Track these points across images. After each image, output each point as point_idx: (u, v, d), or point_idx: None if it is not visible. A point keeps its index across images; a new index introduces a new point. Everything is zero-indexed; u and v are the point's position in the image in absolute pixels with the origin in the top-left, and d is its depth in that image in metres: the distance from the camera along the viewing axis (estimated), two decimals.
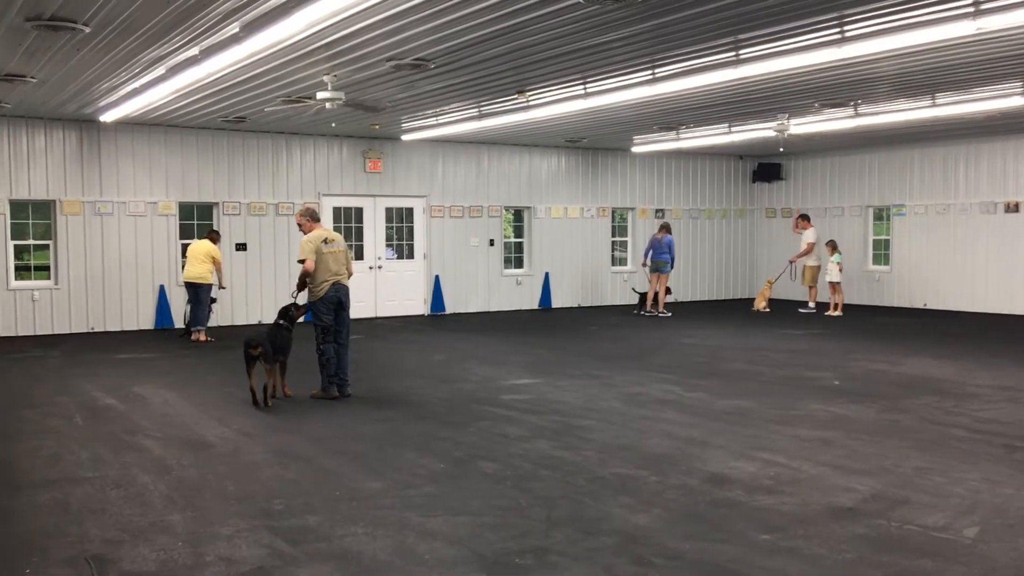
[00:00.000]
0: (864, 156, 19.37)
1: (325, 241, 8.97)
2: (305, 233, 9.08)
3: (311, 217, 9.23)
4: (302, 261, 8.90)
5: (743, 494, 5.62)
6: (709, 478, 5.99)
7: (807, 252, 18.03)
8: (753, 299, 19.42)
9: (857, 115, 13.67)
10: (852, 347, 12.63)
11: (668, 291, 17.78)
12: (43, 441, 7.18)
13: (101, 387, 9.66)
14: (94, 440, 7.20)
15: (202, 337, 13.57)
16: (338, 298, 8.98)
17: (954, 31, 7.93)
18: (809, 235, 18.07)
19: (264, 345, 8.65)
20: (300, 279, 9.05)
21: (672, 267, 17.53)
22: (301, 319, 9.24)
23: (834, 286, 17.52)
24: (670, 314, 17.32)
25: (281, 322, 9.02)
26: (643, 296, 17.81)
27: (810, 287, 18.12)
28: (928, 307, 18.26)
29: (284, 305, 9.20)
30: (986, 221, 17.42)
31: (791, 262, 18.47)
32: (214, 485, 5.90)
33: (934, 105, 12.68)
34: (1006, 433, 7.27)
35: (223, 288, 14.10)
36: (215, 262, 13.62)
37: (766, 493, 5.63)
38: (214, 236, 14.06)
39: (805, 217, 18.54)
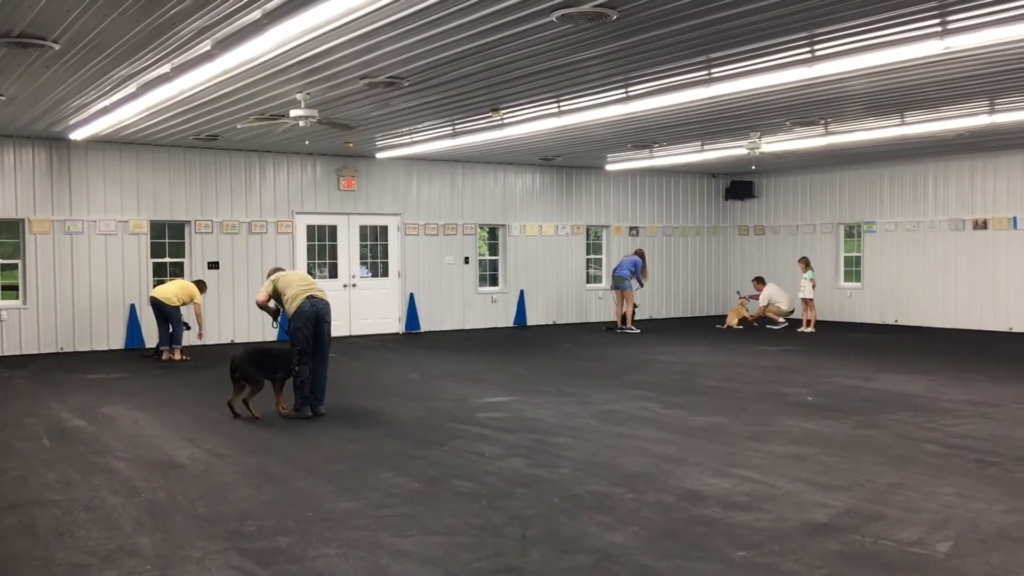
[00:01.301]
0: (835, 174, 19.58)
1: (279, 270, 9.42)
2: None
3: (272, 272, 9.55)
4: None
5: (719, 511, 5.61)
6: (685, 495, 5.98)
7: (760, 313, 18.59)
8: (726, 316, 19.56)
9: (828, 133, 13.83)
10: (825, 363, 12.71)
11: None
12: (9, 463, 7.05)
13: (70, 408, 9.51)
14: (62, 462, 7.08)
15: (176, 356, 13.44)
16: (315, 312, 8.91)
17: (922, 51, 8.05)
18: (763, 297, 18.57)
19: (243, 368, 8.70)
20: (265, 310, 9.22)
21: (635, 284, 17.65)
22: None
23: (807, 303, 17.68)
24: (639, 331, 17.39)
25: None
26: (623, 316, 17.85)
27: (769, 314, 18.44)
28: (899, 323, 18.44)
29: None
30: (955, 238, 17.65)
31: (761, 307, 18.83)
32: (184, 507, 5.81)
33: (903, 123, 12.85)
34: (978, 448, 7.33)
35: (200, 337, 13.95)
36: (193, 301, 13.58)
37: (741, 510, 5.63)
38: (200, 284, 14.02)
39: (759, 280, 19.07)
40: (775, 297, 18.45)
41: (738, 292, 19.86)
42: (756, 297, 18.91)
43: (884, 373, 11.63)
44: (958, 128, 13.10)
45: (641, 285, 17.85)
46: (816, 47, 8.24)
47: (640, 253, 18.00)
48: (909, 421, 8.48)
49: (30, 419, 8.92)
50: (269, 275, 9.52)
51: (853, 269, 19.66)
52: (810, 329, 17.45)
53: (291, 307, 8.93)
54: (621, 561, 4.72)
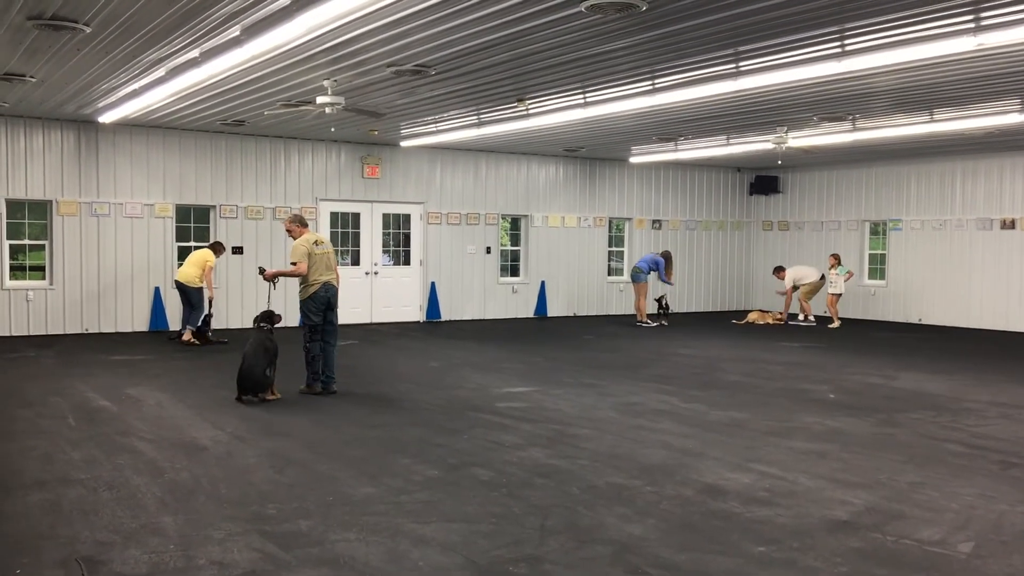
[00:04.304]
0: (861, 170, 19.41)
1: (316, 243, 9.43)
2: (295, 238, 9.53)
3: (300, 223, 9.68)
4: (295, 263, 9.35)
5: (738, 505, 5.60)
6: (704, 489, 5.97)
7: (789, 296, 18.24)
8: (748, 311, 19.46)
9: (855, 129, 13.71)
10: (847, 361, 12.63)
11: (659, 302, 17.80)
12: (36, 441, 7.14)
13: (95, 388, 9.62)
14: (87, 441, 7.17)
15: (186, 337, 13.45)
16: (327, 299, 9.37)
17: (955, 47, 7.96)
18: (788, 280, 18.23)
19: (254, 382, 8.92)
20: (286, 272, 9.55)
21: (646, 279, 17.53)
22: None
23: (835, 298, 17.59)
24: (654, 325, 17.33)
25: (263, 325, 9.19)
26: (660, 307, 17.81)
27: (802, 301, 18.17)
28: (923, 322, 18.29)
29: (266, 311, 9.34)
30: (982, 237, 17.46)
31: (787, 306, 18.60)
32: (207, 488, 5.87)
33: (932, 121, 12.72)
34: (1001, 449, 7.27)
35: (211, 297, 13.82)
36: (204, 268, 13.56)
37: (761, 505, 5.62)
38: (216, 247, 14.02)
39: (779, 268, 18.66)
40: (799, 274, 18.10)
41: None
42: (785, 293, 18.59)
43: (907, 372, 11.54)
44: (988, 126, 12.94)
45: (669, 283, 17.78)
46: (846, 42, 8.17)
47: (666, 255, 17.90)
48: (931, 420, 8.42)
49: (56, 398, 9.03)
50: (291, 227, 9.56)
51: (878, 267, 19.51)
52: (835, 325, 17.41)
53: (307, 290, 9.31)
54: (640, 553, 4.73)
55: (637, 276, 17.62)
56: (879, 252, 19.48)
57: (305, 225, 9.67)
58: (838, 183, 19.96)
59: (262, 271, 9.77)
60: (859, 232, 19.63)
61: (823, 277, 18.01)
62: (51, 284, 14.53)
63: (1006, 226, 17.11)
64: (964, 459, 6.92)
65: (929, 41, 7.90)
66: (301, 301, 9.39)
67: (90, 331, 14.74)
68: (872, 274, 19.62)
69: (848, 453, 7.04)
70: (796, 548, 4.83)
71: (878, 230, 19.55)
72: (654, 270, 17.54)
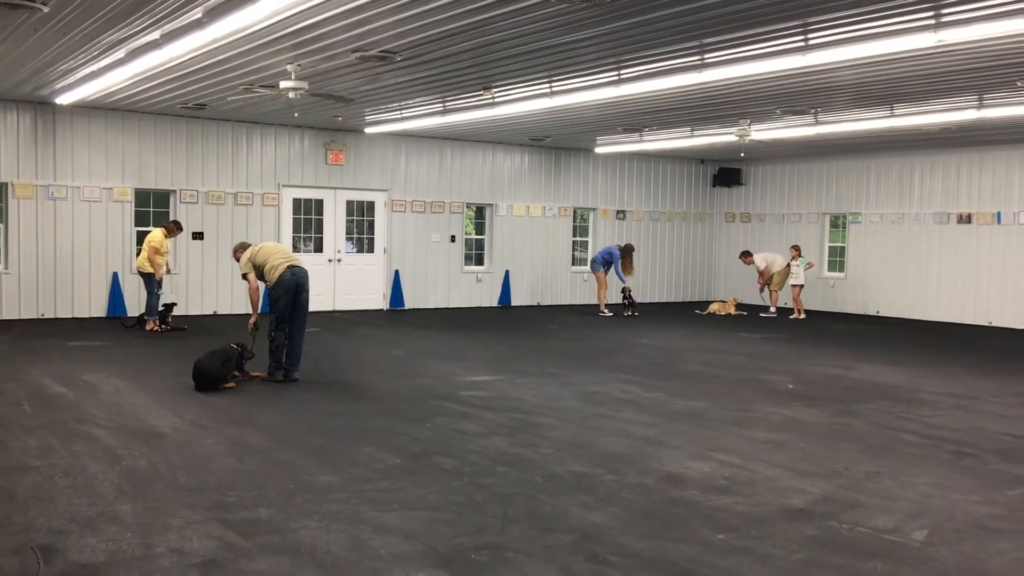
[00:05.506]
0: (822, 164, 19.64)
1: (258, 248, 9.49)
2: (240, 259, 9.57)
3: (241, 247, 9.69)
4: (245, 276, 9.38)
5: (698, 494, 5.66)
6: (665, 477, 6.02)
7: (767, 276, 18.33)
8: (710, 302, 19.64)
9: (817, 123, 13.86)
10: (807, 352, 12.80)
11: (625, 293, 17.76)
12: None
13: (51, 374, 9.47)
14: (43, 428, 7.05)
15: (149, 326, 13.28)
16: (295, 281, 9.21)
17: (915, 43, 8.07)
18: (759, 262, 18.31)
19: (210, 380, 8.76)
20: (252, 299, 9.45)
21: (603, 270, 17.60)
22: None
23: (797, 290, 17.80)
24: (611, 314, 17.41)
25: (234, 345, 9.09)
26: (624, 298, 17.83)
27: (773, 291, 18.36)
28: (880, 314, 18.58)
29: (239, 345, 9.17)
30: (939, 231, 17.76)
31: (761, 291, 18.74)
32: (166, 476, 5.80)
33: (892, 115, 12.90)
34: (955, 439, 7.41)
35: (159, 278, 13.42)
36: (150, 251, 13.27)
37: (721, 493, 5.68)
38: (168, 226, 13.72)
39: (746, 253, 18.73)
40: (770, 258, 18.26)
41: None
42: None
43: (864, 363, 11.72)
44: (946, 122, 13.15)
45: (622, 280, 17.69)
46: (809, 36, 8.25)
47: (627, 248, 17.86)
48: (888, 411, 8.56)
49: (10, 384, 8.87)
50: (237, 253, 9.65)
51: (837, 259, 19.77)
52: (801, 316, 17.61)
53: (272, 276, 9.18)
54: (601, 541, 4.76)
55: (593, 266, 17.88)
56: (838, 244, 19.74)
57: (247, 247, 9.65)
58: (799, 176, 20.18)
59: (248, 346, 9.27)
60: (819, 225, 19.87)
61: (788, 265, 18.19)
62: (6, 268, 14.25)
63: (962, 220, 17.41)
64: (919, 449, 7.05)
65: (890, 37, 8.00)
66: (268, 288, 9.28)
67: (46, 316, 14.49)
68: (831, 266, 19.89)
69: (806, 443, 7.14)
70: (754, 536, 4.89)
71: (838, 223, 19.81)
72: (610, 263, 17.59)
